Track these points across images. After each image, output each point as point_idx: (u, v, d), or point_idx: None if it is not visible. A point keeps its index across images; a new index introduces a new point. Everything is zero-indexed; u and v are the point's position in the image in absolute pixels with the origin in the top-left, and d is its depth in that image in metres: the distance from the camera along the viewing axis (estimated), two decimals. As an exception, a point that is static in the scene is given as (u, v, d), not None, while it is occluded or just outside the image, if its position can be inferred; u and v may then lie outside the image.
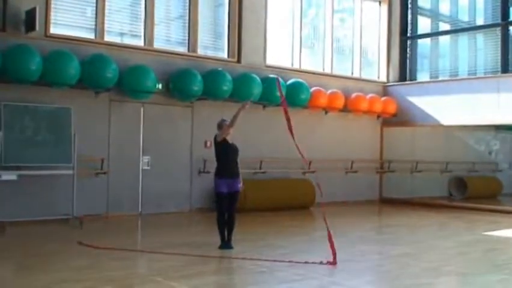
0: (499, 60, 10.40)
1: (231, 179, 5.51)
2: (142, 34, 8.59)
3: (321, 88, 10.42)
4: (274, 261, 4.91)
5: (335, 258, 4.84)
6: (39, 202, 7.20)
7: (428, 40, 12.11)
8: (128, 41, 8.52)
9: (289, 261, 4.84)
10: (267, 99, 9.12)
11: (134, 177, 8.28)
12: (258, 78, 9.24)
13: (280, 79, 5.31)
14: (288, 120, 5.39)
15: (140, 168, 8.33)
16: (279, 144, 9.47)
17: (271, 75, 9.57)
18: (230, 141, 5.60)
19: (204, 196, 8.90)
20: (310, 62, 10.97)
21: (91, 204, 7.68)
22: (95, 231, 6.74)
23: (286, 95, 9.53)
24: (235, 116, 5.39)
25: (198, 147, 8.68)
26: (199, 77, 8.57)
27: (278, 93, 5.97)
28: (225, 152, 5.55)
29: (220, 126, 5.66)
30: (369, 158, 11.39)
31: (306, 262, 4.82)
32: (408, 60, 12.01)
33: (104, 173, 7.85)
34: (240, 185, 5.60)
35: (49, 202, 7.27)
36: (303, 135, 10.12)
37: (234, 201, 5.58)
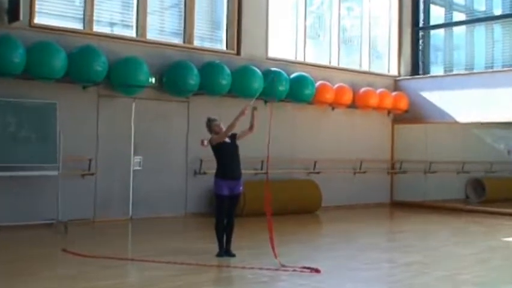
0: (518, 53, 10.56)
1: (233, 181, 5.51)
2: (134, 24, 8.58)
3: (327, 82, 10.43)
4: (276, 270, 4.90)
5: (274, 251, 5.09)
6: (21, 205, 7.18)
7: (441, 31, 12.09)
8: (118, 31, 8.51)
9: (275, 270, 4.87)
10: (269, 94, 9.06)
11: (125, 178, 8.27)
12: (258, 71, 9.22)
13: (275, 78, 5.25)
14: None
15: (131, 168, 8.33)
16: (282, 143, 9.48)
17: (273, 69, 9.56)
18: (228, 139, 5.61)
19: (201, 199, 8.92)
20: (315, 54, 10.98)
21: (77, 208, 7.66)
22: (81, 237, 6.72)
23: (290, 89, 9.59)
24: (232, 124, 5.43)
25: (194, 146, 8.65)
26: (195, 71, 8.56)
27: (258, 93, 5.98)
28: (226, 152, 5.57)
29: (209, 127, 5.67)
30: (379, 158, 11.39)
31: (294, 270, 4.84)
32: (420, 53, 11.99)
33: (92, 174, 7.83)
34: (241, 188, 5.63)
35: (32, 205, 7.25)
36: (308, 132, 10.35)
37: (235, 204, 5.59)
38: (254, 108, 5.42)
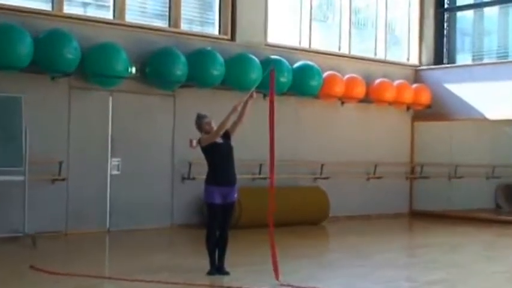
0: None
1: (227, 187, 5.57)
2: (111, 4, 8.57)
3: (336, 73, 10.48)
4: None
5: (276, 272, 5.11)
6: (-19, 216, 7.20)
7: (470, 13, 12.14)
8: (93, 13, 8.51)
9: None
10: (268, 86, 9.23)
11: (101, 184, 8.29)
12: (256, 60, 9.26)
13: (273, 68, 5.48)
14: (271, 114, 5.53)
15: (108, 173, 8.36)
16: (284, 143, 9.48)
17: (274, 57, 9.58)
18: (221, 140, 5.65)
19: (189, 208, 8.96)
20: (322, 40, 11.03)
21: (47, 219, 7.65)
22: (52, 252, 6.71)
23: (293, 80, 9.62)
24: (223, 122, 5.50)
25: (182, 147, 8.66)
26: (182, 59, 8.59)
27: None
28: (218, 154, 5.61)
29: (199, 125, 5.72)
30: (397, 161, 11.45)
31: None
32: (445, 38, 12.07)
33: (63, 179, 7.83)
34: (236, 195, 5.67)
35: (-6, 216, 7.26)
36: (314, 131, 10.38)
37: (229, 215, 5.63)
38: (250, 97, 5.57)
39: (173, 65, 8.48)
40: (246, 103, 5.60)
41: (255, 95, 5.67)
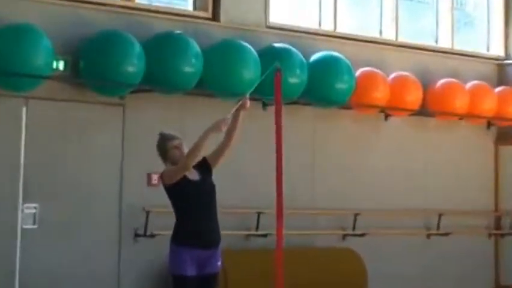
0: None
1: (205, 251, 5.62)
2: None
3: (376, 70, 10.40)
4: None
5: None
6: None
7: None
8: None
9: None
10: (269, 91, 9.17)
11: (6, 245, 8.17)
12: (252, 50, 9.22)
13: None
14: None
15: (19, 226, 8.26)
16: (297, 181, 9.44)
17: (279, 45, 9.53)
18: (197, 175, 5.71)
19: (145, 282, 8.82)
20: (354, 21, 11.04)
21: None
22: None
23: (310, 82, 9.57)
24: (197, 145, 5.59)
25: (134, 185, 8.63)
26: (137, 48, 8.55)
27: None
28: (191, 199, 5.68)
29: (163, 151, 5.81)
30: (473, 208, 11.32)
31: None
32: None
33: None
34: (219, 263, 5.77)
35: None
36: (341, 161, 10.30)
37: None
38: (242, 106, 5.73)
39: (123, 57, 8.44)
40: (236, 116, 5.66)
41: (248, 103, 5.71)
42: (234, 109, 5.69)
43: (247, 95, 5.79)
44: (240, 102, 5.71)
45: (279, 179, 5.58)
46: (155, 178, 8.48)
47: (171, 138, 5.79)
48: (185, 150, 5.70)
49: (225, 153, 5.78)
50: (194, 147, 5.57)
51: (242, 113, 5.71)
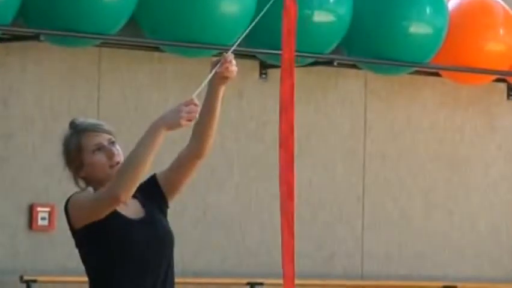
0: None
1: None
2: None
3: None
4: None
5: None
6: None
7: None
8: None
9: None
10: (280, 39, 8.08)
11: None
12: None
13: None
14: None
15: None
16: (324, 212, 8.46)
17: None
18: (139, 209, 4.31)
19: None
20: None
21: None
22: None
23: (353, 22, 8.15)
24: (148, 139, 4.03)
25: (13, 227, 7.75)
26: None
27: None
28: (124, 253, 4.48)
29: (74, 156, 4.44)
30: None
31: None
32: None
33: None
34: None
35: None
36: (419, 181, 8.89)
37: None
38: (222, 65, 4.30)
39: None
40: (215, 87, 4.27)
41: (234, 62, 4.31)
42: (211, 74, 4.24)
43: (234, 47, 4.33)
44: (221, 61, 4.17)
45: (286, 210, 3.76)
46: (45, 214, 7.71)
47: (92, 129, 4.17)
48: (122, 157, 4.17)
49: (198, 161, 4.15)
50: (129, 161, 4.01)
51: (228, 68, 4.27)
